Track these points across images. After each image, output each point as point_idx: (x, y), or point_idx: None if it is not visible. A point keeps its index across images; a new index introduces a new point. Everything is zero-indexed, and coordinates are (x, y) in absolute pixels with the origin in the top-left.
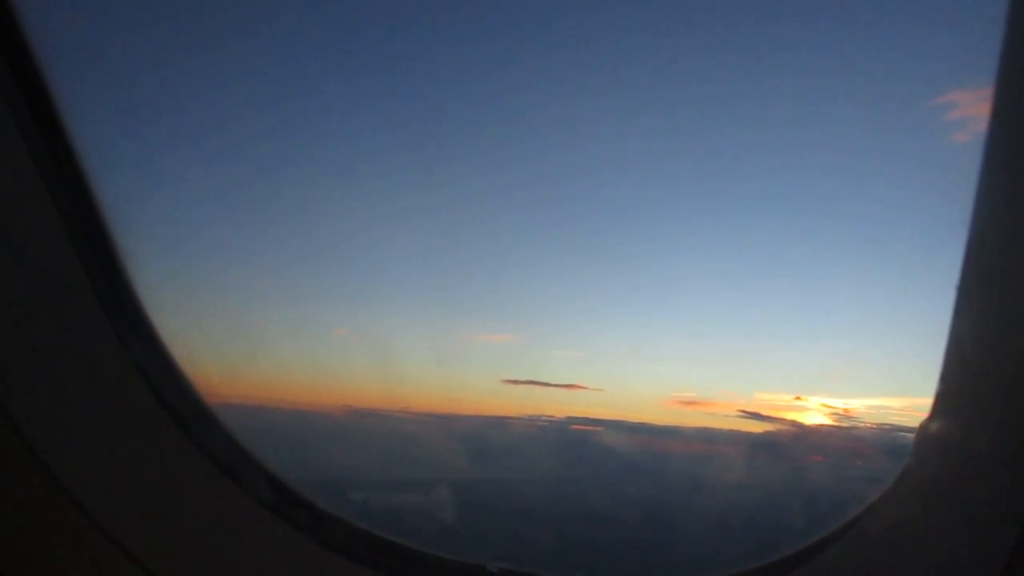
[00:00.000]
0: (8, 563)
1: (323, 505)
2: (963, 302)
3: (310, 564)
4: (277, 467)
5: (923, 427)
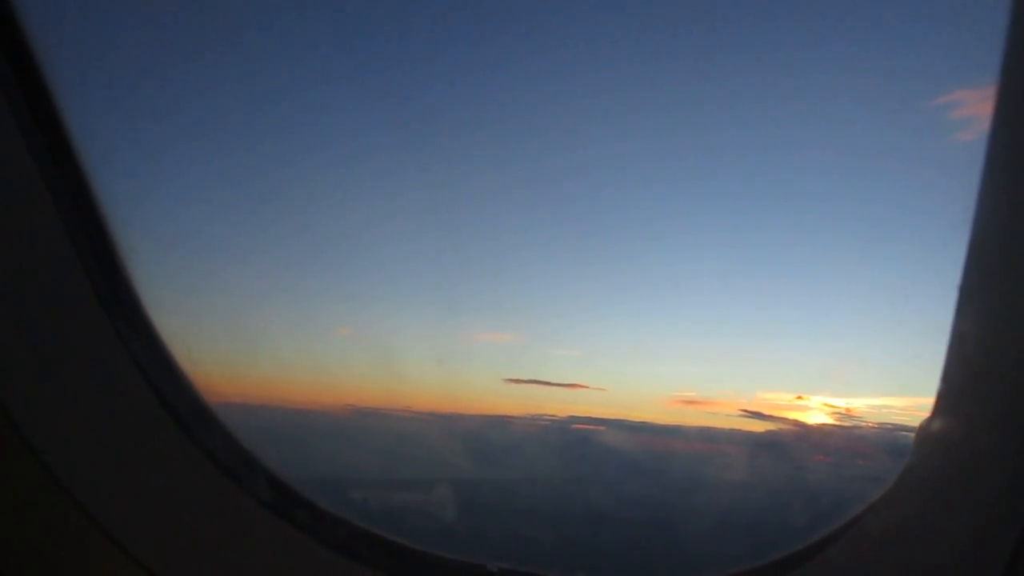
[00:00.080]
0: (8, 563)
1: (323, 504)
2: (964, 302)
3: (310, 564)
4: (278, 466)
5: (924, 427)
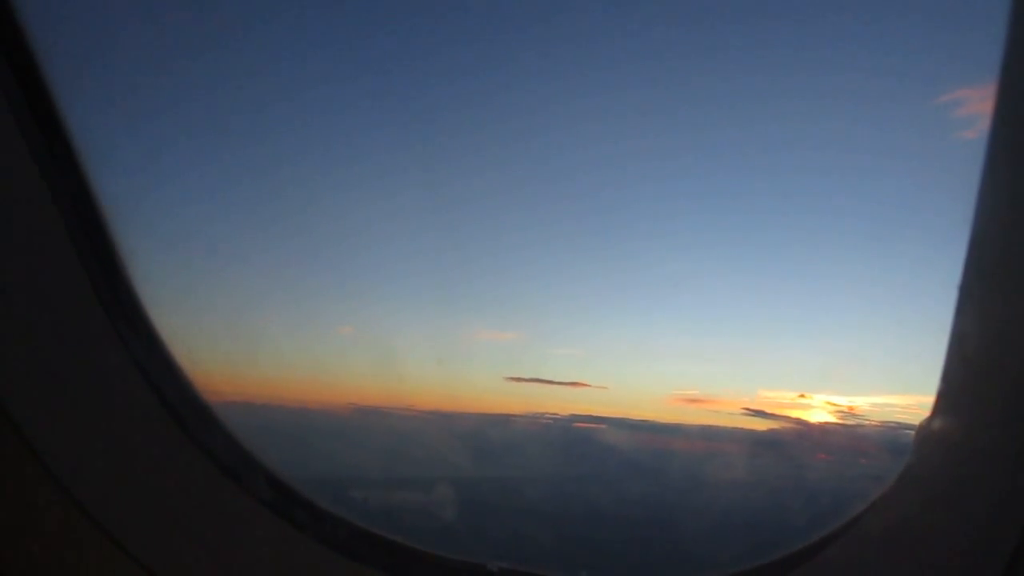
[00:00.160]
0: (8, 563)
1: (323, 504)
2: (965, 301)
3: (310, 563)
4: (280, 465)
5: (924, 426)
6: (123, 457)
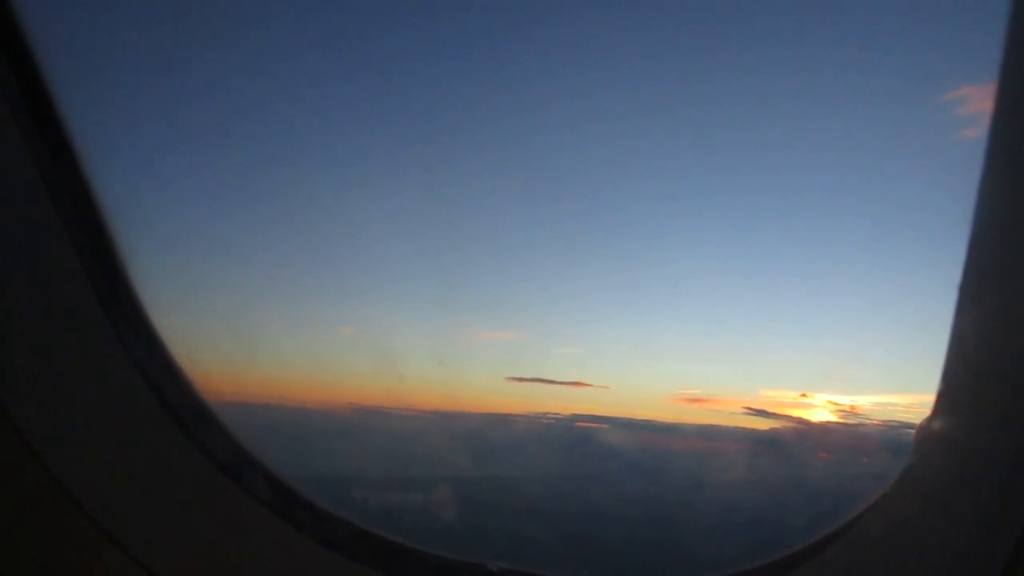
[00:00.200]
0: (8, 563)
1: (323, 504)
2: (965, 300)
3: (310, 563)
4: (281, 465)
5: (924, 426)
6: (123, 457)
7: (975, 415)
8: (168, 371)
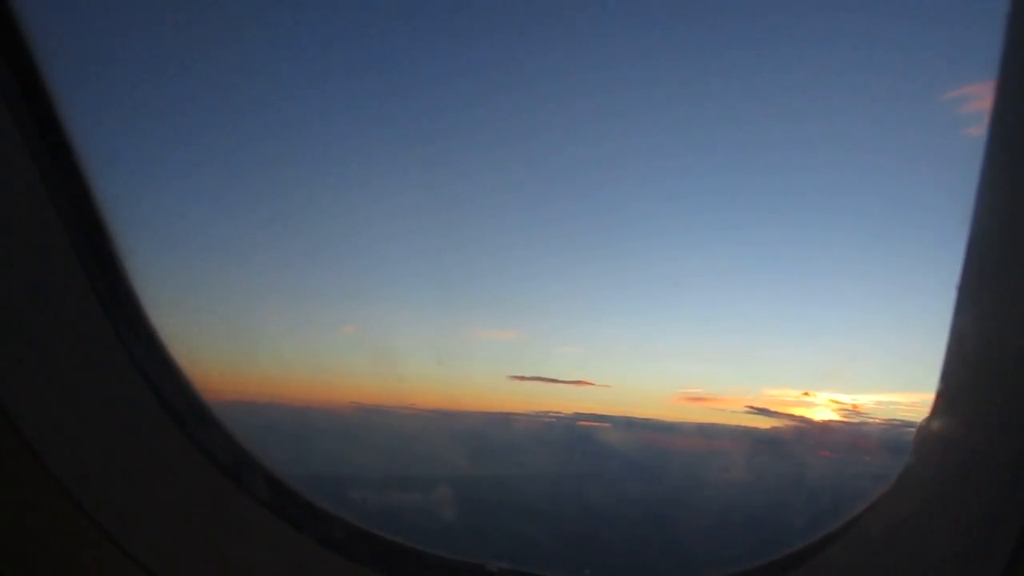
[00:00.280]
0: (8, 563)
1: (322, 504)
2: (964, 300)
3: (309, 563)
4: (281, 464)
5: (923, 426)
6: (123, 457)
7: (974, 415)
8: (168, 371)
